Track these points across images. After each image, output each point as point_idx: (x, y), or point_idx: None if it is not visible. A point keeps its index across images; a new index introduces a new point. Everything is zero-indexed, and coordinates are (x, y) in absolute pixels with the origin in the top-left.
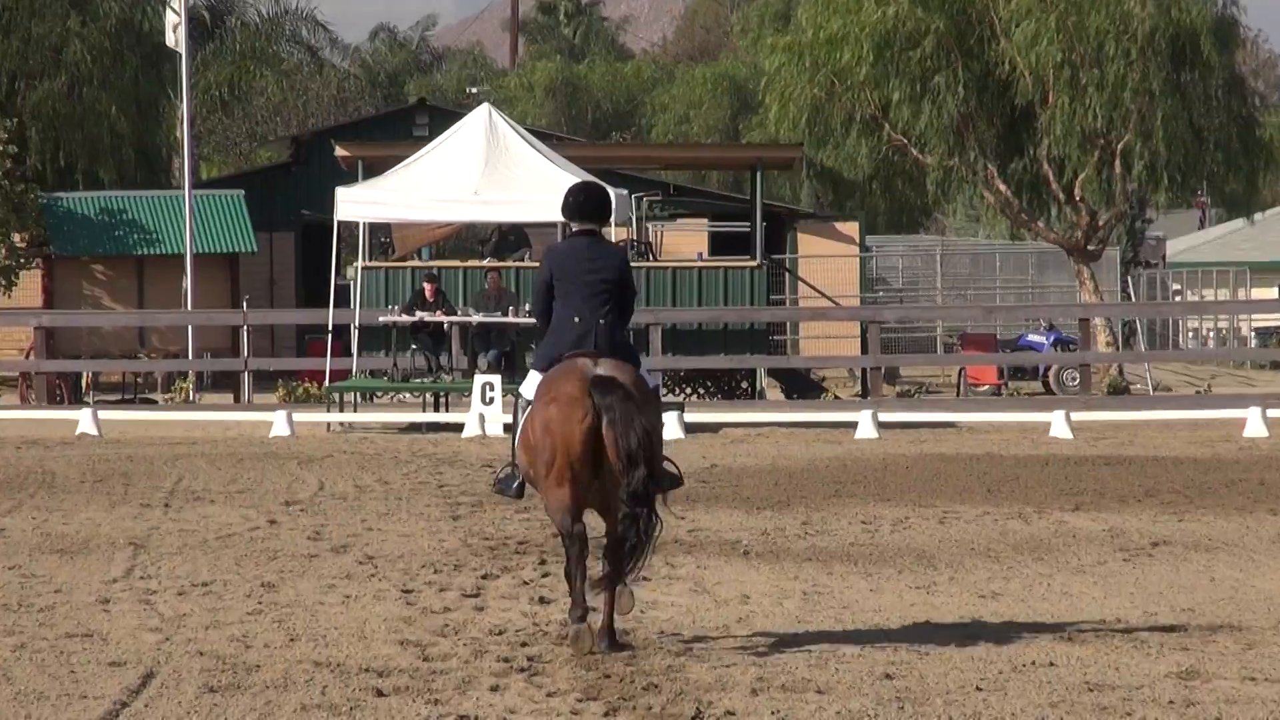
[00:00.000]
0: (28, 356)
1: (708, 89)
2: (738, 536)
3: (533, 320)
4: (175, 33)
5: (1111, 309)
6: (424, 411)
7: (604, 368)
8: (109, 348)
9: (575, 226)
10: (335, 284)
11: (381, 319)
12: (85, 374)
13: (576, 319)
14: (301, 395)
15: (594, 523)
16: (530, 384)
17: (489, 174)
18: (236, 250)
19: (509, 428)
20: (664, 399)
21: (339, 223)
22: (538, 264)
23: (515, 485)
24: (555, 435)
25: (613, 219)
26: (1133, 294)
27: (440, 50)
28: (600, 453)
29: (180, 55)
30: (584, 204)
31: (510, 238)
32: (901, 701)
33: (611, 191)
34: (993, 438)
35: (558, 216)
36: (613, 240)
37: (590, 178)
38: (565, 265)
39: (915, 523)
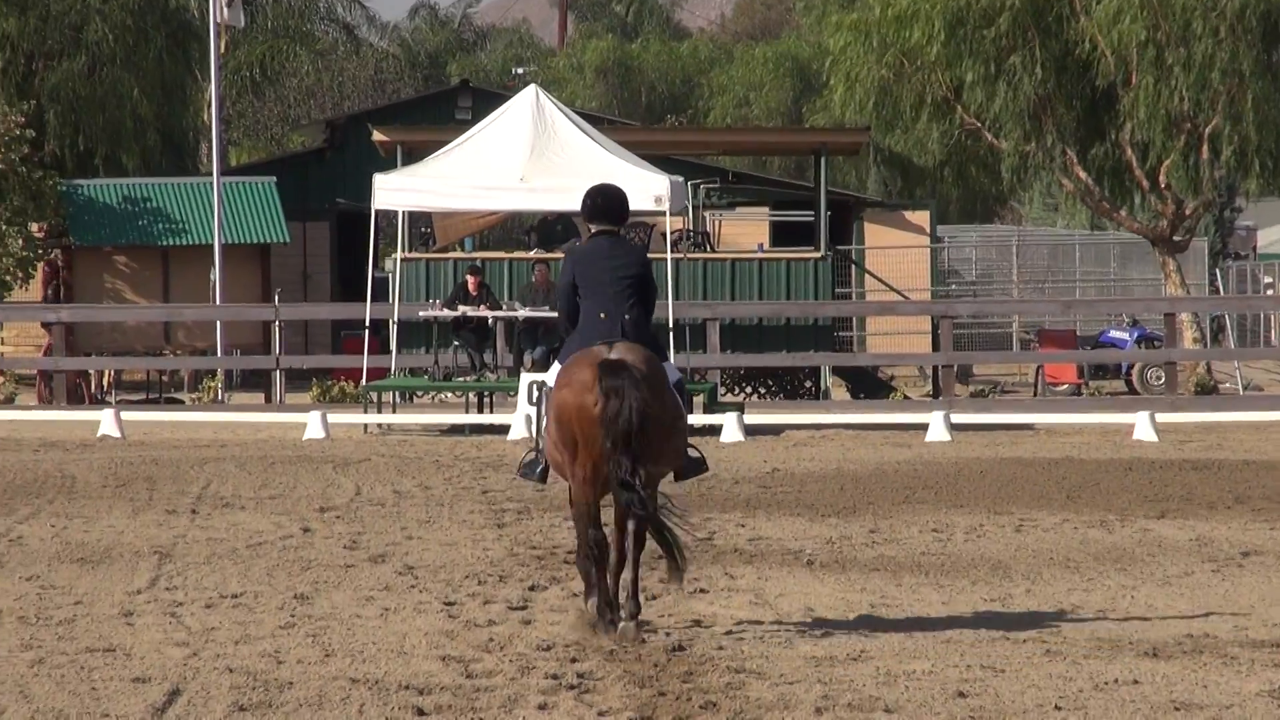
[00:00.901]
0: (46, 353)
1: (769, 69)
2: (801, 545)
3: None
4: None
5: (1199, 303)
6: (467, 412)
7: (616, 351)
8: (132, 344)
9: (594, 228)
10: (372, 276)
11: (421, 314)
12: (107, 372)
13: (602, 315)
14: (337, 395)
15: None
16: (554, 374)
17: (536, 160)
18: (267, 240)
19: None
20: (722, 399)
21: (376, 211)
22: None
23: (539, 470)
24: (572, 425)
25: (668, 208)
26: (1221, 287)
27: (484, 29)
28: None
29: (212, 32)
30: (603, 206)
31: (558, 227)
32: None
33: (667, 179)
34: (1072, 440)
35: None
36: (666, 227)
37: (643, 164)
38: (588, 266)
39: (990, 531)
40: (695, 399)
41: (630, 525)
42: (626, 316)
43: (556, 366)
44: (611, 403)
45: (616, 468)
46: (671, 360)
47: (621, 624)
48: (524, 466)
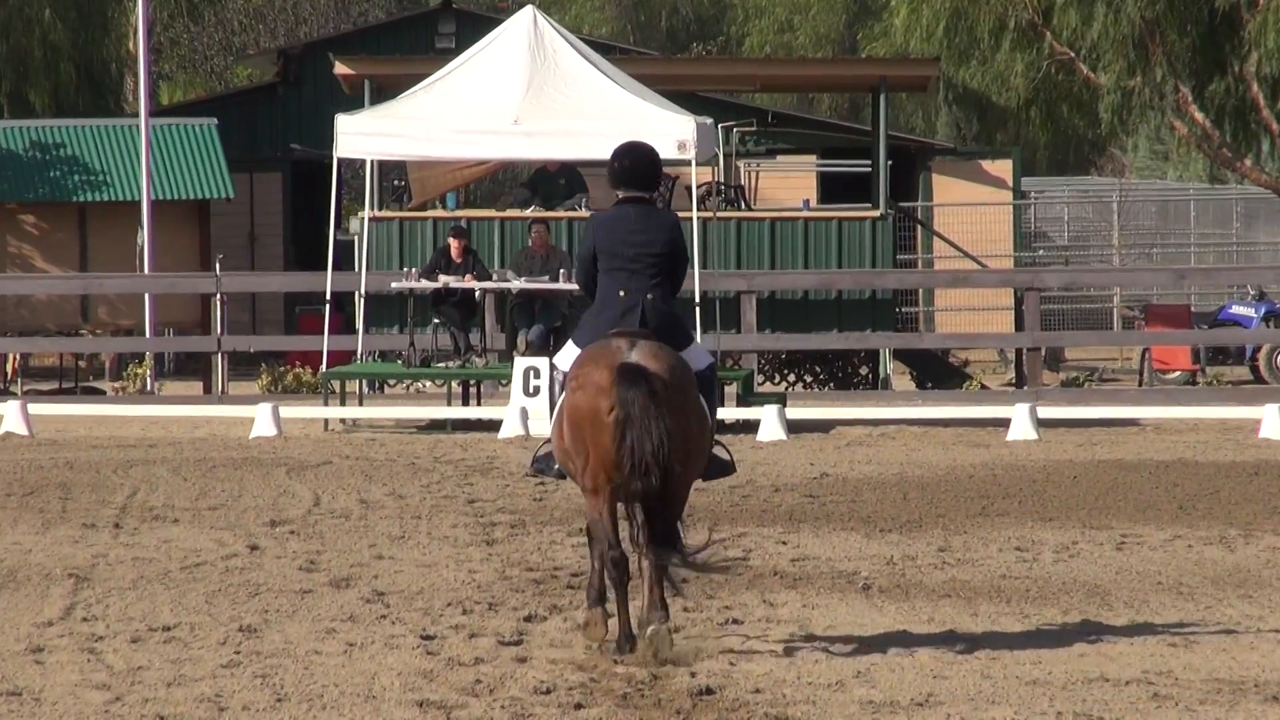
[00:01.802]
0: None
1: None
2: (855, 567)
3: None
4: None
5: None
6: (449, 405)
7: (637, 352)
8: (42, 322)
9: (622, 193)
10: (335, 240)
11: (394, 285)
12: (11, 357)
13: (622, 293)
14: (291, 384)
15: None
16: (567, 355)
17: (533, 98)
18: (207, 196)
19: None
20: (760, 388)
21: (339, 161)
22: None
23: (557, 466)
24: (584, 431)
25: (693, 156)
26: None
27: None
28: None
29: None
30: (631, 170)
31: (561, 180)
32: None
33: (692, 121)
34: (1186, 439)
35: None
36: (691, 179)
37: (664, 103)
38: (610, 236)
39: (1085, 549)
40: (727, 389)
41: (649, 551)
42: (649, 296)
43: (571, 349)
44: (628, 422)
45: (643, 499)
46: (698, 340)
47: (652, 628)
48: (538, 460)
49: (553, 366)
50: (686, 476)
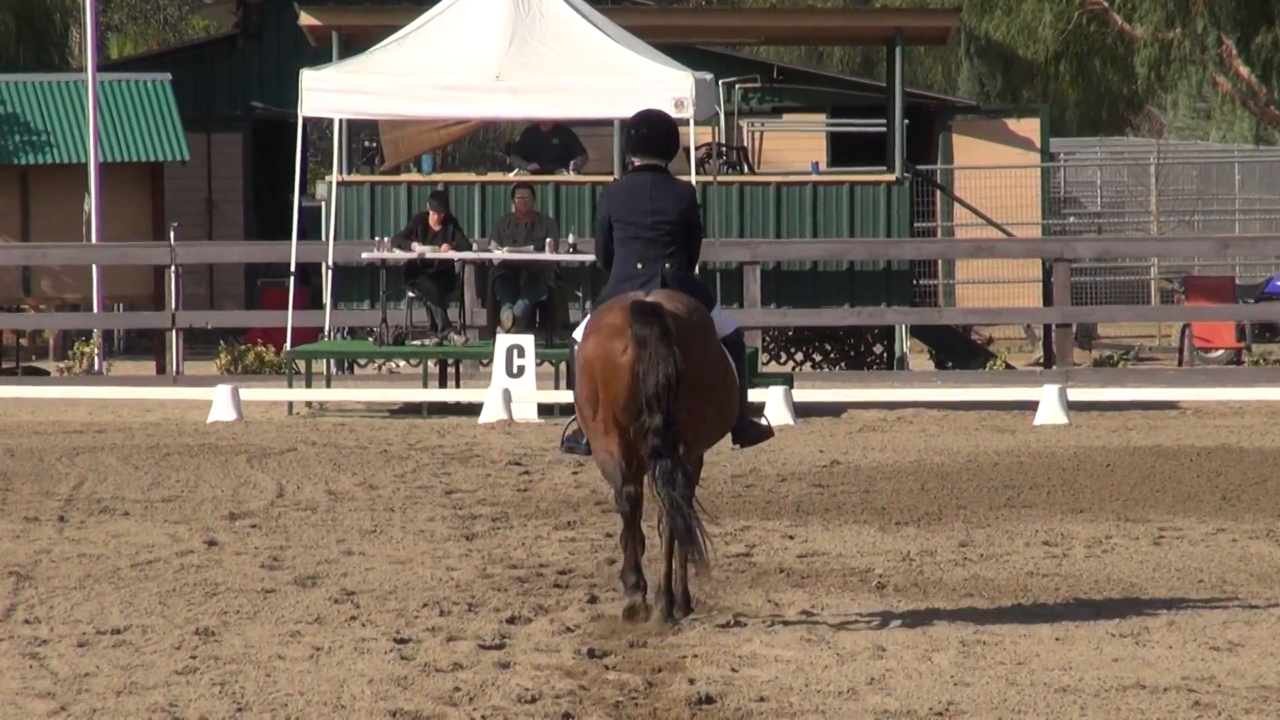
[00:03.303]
0: None
1: None
2: (869, 563)
3: (578, 258)
4: None
5: None
6: (425, 387)
7: (654, 295)
8: None
9: (638, 161)
10: (300, 206)
11: (365, 256)
12: None
13: (639, 265)
14: (252, 364)
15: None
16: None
17: (517, 51)
18: (160, 158)
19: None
20: (765, 368)
21: (305, 120)
22: (587, 179)
23: (585, 441)
24: (595, 372)
25: (692, 115)
26: None
27: None
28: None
29: None
30: (648, 136)
31: (554, 140)
32: None
33: (690, 77)
34: (1230, 424)
35: (614, 110)
36: (690, 140)
37: (659, 57)
38: (625, 206)
39: (1119, 544)
40: None
41: (663, 503)
42: (666, 265)
43: (588, 322)
44: (642, 355)
45: (650, 434)
46: (720, 309)
47: (652, 616)
48: (568, 439)
49: (574, 343)
50: (700, 425)
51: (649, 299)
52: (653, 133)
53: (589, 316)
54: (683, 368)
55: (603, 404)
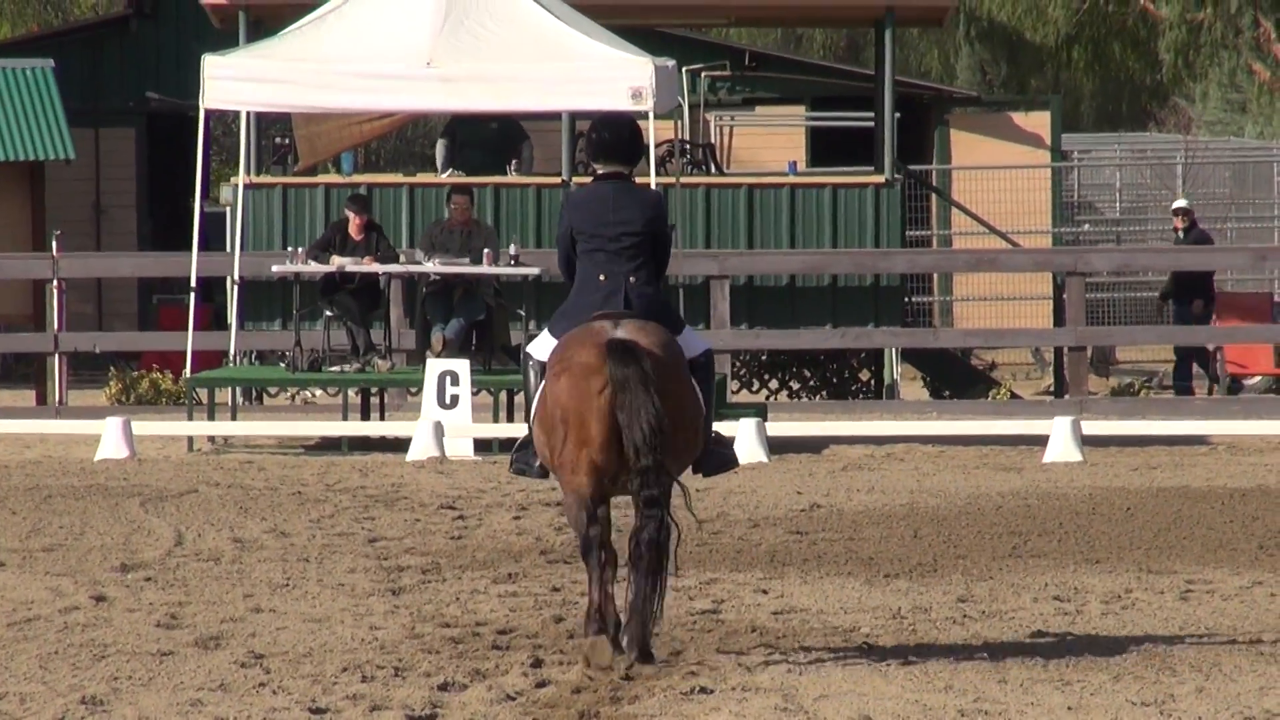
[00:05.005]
0: None
1: None
2: (854, 622)
3: (521, 271)
4: None
5: None
6: (345, 419)
7: (624, 329)
8: None
9: (599, 169)
10: (202, 212)
11: (276, 269)
12: None
13: (602, 277)
14: (147, 393)
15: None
16: (543, 344)
17: (451, 35)
18: (40, 157)
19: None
20: (734, 397)
21: (208, 113)
22: (531, 181)
23: (538, 464)
24: (569, 414)
25: (651, 107)
26: None
27: None
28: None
29: None
30: (610, 142)
31: (493, 124)
32: None
33: (650, 64)
34: (1267, 461)
35: (563, 103)
36: (650, 136)
37: (615, 40)
38: (587, 216)
39: (1141, 599)
40: None
41: (641, 550)
42: (631, 279)
43: (545, 336)
44: (623, 402)
45: (640, 480)
46: (690, 330)
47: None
48: (517, 459)
49: (526, 355)
50: (679, 463)
51: (621, 334)
52: (615, 137)
53: (551, 355)
54: (662, 410)
55: (573, 448)
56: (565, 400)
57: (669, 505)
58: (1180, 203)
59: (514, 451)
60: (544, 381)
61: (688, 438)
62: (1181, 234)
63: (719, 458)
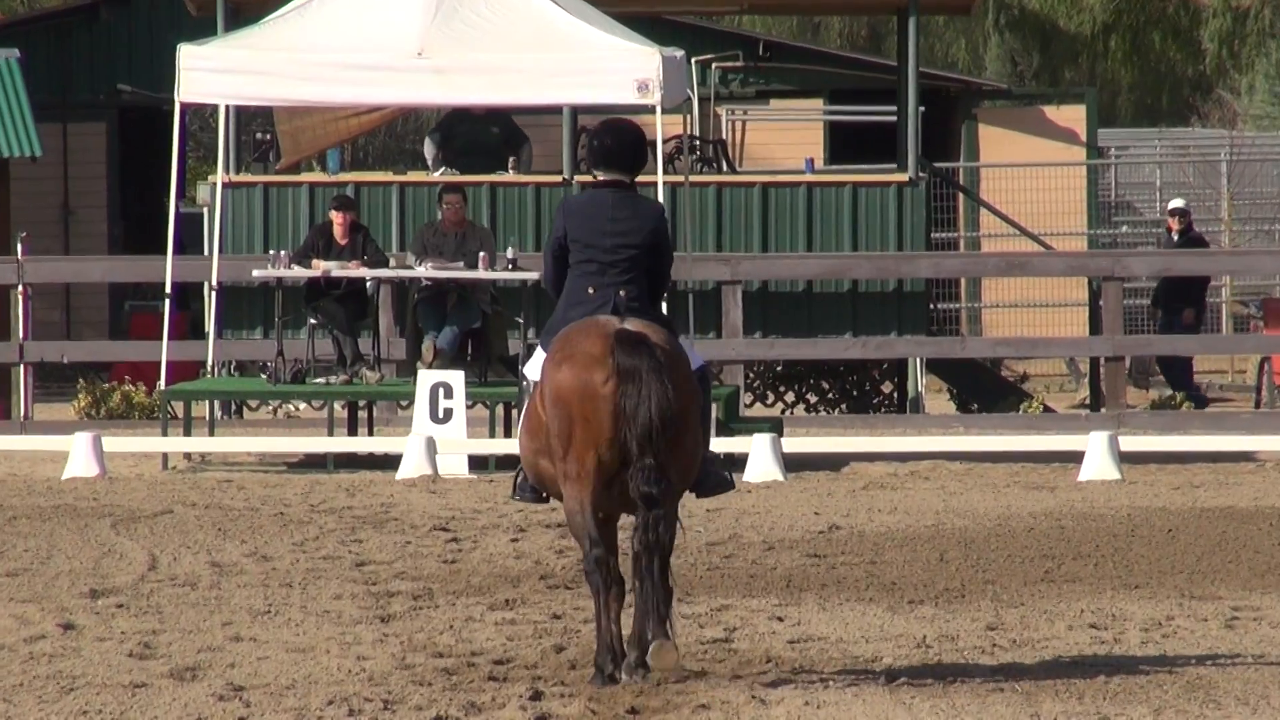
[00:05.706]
0: None
1: None
2: (875, 651)
3: (519, 276)
4: None
5: None
6: (331, 435)
7: (631, 324)
8: None
9: (600, 175)
10: (177, 213)
11: (257, 274)
12: None
13: (591, 289)
14: (119, 407)
15: None
16: (538, 364)
17: (444, 23)
18: (5, 153)
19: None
20: (748, 411)
21: (184, 106)
22: (530, 180)
23: (530, 486)
24: (571, 407)
25: (658, 100)
26: None
27: None
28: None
29: None
30: (612, 149)
31: (493, 129)
32: None
33: (657, 54)
34: None
35: (564, 96)
36: (657, 131)
37: (619, 29)
38: (582, 225)
39: (1183, 626)
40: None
41: (643, 555)
42: (621, 293)
43: (539, 355)
44: (630, 391)
45: (641, 476)
46: (687, 342)
47: (655, 643)
48: (518, 485)
49: (522, 377)
50: (683, 471)
51: (627, 327)
52: (617, 144)
53: (551, 346)
54: (674, 399)
55: (577, 444)
56: (567, 392)
57: (674, 508)
58: (1177, 203)
59: (515, 481)
60: (538, 381)
61: (694, 442)
62: (1176, 236)
63: (715, 479)
